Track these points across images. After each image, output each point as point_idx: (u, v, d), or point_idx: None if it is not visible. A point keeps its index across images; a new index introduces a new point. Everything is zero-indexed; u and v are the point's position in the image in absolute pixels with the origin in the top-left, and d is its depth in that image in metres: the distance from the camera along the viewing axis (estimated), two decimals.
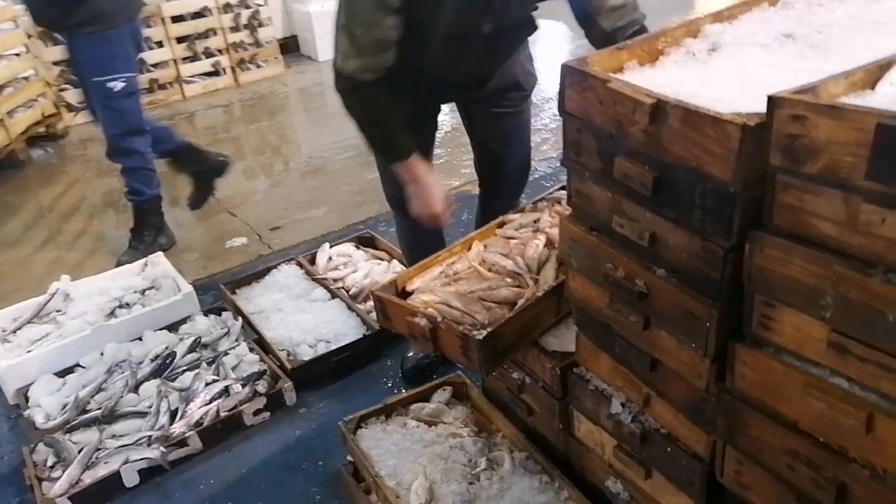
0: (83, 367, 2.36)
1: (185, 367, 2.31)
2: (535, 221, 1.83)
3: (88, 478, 1.94)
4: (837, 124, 0.80)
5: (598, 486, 1.57)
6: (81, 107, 4.55)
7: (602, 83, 1.09)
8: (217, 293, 2.78)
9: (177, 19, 5.32)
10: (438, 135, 2.30)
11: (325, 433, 2.11)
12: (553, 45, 5.66)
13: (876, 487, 0.92)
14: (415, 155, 1.81)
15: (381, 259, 2.81)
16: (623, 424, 1.39)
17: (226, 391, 2.18)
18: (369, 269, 2.72)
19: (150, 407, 2.14)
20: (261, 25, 5.67)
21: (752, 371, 1.04)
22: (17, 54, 4.51)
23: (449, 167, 3.80)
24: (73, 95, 4.79)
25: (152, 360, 2.33)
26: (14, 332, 2.52)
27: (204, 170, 3.42)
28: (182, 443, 2.04)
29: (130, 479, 1.97)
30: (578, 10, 1.79)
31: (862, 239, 0.83)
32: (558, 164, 3.00)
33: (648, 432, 1.34)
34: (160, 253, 2.91)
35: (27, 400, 2.26)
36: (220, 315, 2.58)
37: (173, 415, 2.12)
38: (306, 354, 2.35)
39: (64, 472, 1.94)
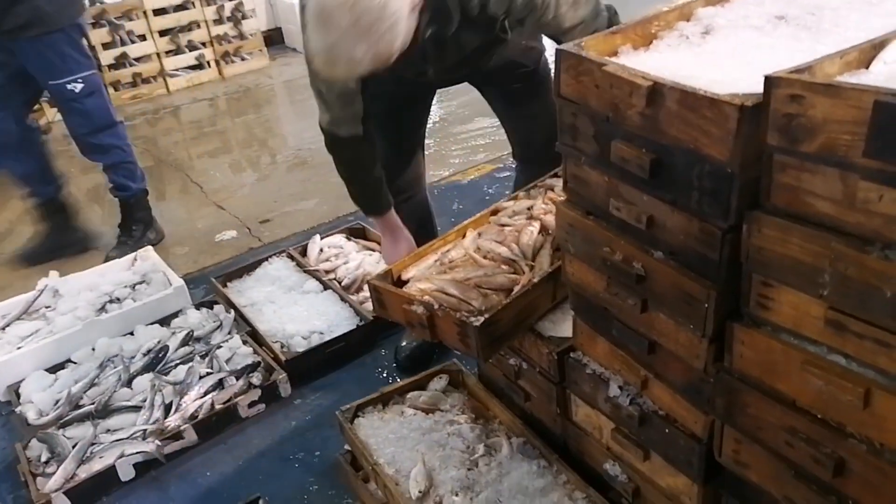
0: (75, 363, 2.34)
1: (178, 361, 2.30)
2: (528, 209, 1.83)
3: (84, 472, 1.93)
4: (835, 103, 0.81)
5: (597, 469, 1.59)
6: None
7: (598, 67, 1.10)
8: (208, 287, 2.76)
9: (159, 12, 5.27)
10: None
11: (321, 424, 2.11)
12: None
13: (873, 462, 0.94)
14: (391, 211, 2.00)
15: (373, 250, 2.80)
16: (621, 407, 1.40)
17: (220, 384, 2.18)
18: (361, 261, 2.71)
19: (144, 401, 2.13)
20: (244, 18, 5.63)
21: (751, 350, 1.05)
22: None
23: (437, 157, 3.80)
24: None
25: (145, 355, 2.31)
26: (3, 328, 2.49)
27: (62, 238, 3.17)
28: (177, 436, 2.03)
29: (126, 472, 1.96)
30: (547, 36, 1.84)
31: (859, 216, 0.84)
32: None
33: (646, 414, 1.35)
34: (149, 247, 2.89)
35: (18, 396, 2.24)
36: (211, 308, 2.57)
37: (168, 408, 2.11)
38: (300, 346, 2.34)
39: (59, 467, 1.93)
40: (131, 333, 2.44)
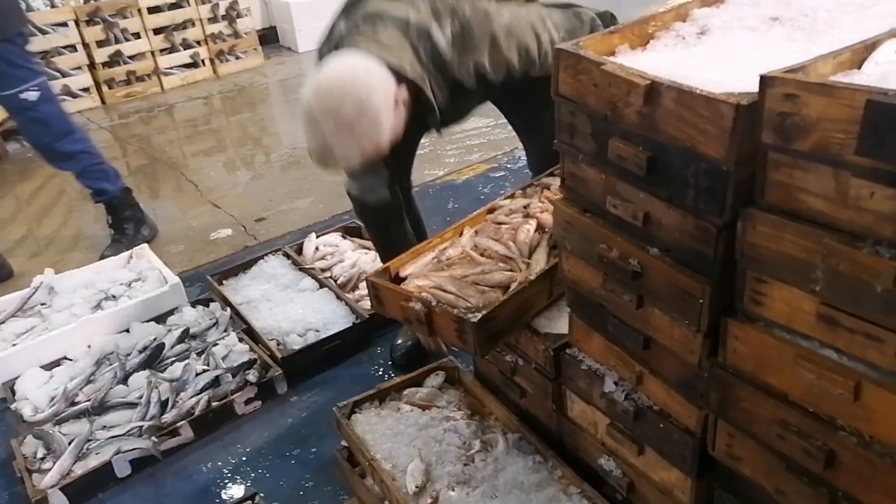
0: (70, 360, 2.34)
1: (174, 358, 2.30)
2: (524, 207, 1.85)
3: (80, 469, 1.93)
4: (828, 102, 0.83)
5: (591, 465, 1.60)
6: None
7: (596, 66, 1.11)
8: (204, 284, 2.77)
9: (153, 10, 5.26)
10: None
11: (317, 421, 2.12)
12: None
13: (863, 454, 0.96)
14: None
15: (368, 248, 2.81)
16: (616, 403, 1.41)
17: (216, 381, 2.18)
18: (357, 259, 2.72)
19: (141, 398, 2.13)
20: (239, 16, 5.63)
21: (744, 345, 1.07)
22: None
23: (432, 157, 3.82)
24: None
25: (140, 352, 2.31)
26: None
27: None
28: (174, 432, 2.04)
29: (122, 469, 1.97)
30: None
31: (851, 213, 0.86)
32: None
33: (641, 410, 1.37)
34: (145, 245, 2.89)
35: (14, 393, 2.24)
36: (207, 306, 2.57)
37: (164, 405, 2.12)
38: (296, 344, 2.35)
39: (55, 463, 1.93)
40: (127, 331, 2.44)
